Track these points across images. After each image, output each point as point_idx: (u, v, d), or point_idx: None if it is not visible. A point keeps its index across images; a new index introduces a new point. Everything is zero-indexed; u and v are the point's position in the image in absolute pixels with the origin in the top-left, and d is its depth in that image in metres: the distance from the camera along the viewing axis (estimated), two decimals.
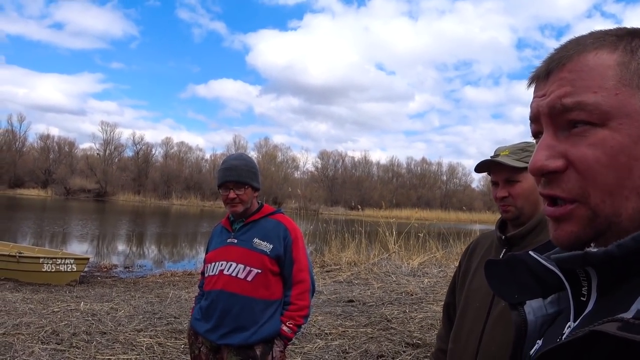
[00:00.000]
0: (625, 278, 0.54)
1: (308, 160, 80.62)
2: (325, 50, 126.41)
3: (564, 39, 0.63)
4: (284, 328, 2.43)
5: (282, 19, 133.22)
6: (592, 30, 0.61)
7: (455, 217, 41.09)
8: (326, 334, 5.40)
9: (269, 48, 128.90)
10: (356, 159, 79.44)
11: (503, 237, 1.61)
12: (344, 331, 5.51)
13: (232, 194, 2.45)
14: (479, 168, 1.67)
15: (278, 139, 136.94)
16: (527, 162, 1.46)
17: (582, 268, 0.58)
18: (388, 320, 5.97)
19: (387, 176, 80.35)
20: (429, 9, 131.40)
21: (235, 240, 2.51)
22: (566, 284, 0.60)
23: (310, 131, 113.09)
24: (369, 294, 7.82)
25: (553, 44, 0.64)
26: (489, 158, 1.63)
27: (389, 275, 9.44)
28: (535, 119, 0.63)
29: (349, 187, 70.91)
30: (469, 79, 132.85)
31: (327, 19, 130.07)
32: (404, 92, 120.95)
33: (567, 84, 0.58)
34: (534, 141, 0.65)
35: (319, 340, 5.13)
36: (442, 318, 1.93)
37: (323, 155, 79.11)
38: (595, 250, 0.54)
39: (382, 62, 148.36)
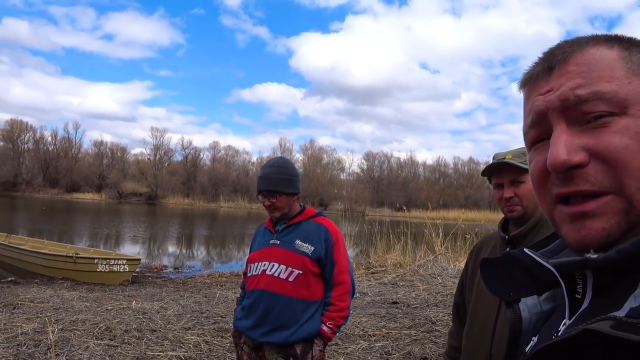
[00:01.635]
0: (620, 277, 0.53)
1: (353, 162, 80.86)
2: (368, 51, 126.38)
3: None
4: (324, 328, 2.47)
5: (324, 22, 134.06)
6: (577, 37, 0.61)
7: None
8: (369, 335, 5.40)
9: (312, 51, 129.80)
10: (402, 160, 78.92)
11: (507, 237, 1.67)
12: (387, 333, 5.50)
13: (267, 202, 2.54)
14: (488, 171, 1.74)
15: (323, 140, 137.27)
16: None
17: (580, 272, 0.57)
18: (432, 323, 5.91)
19: (433, 177, 79.32)
20: (472, 4, 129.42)
21: (278, 242, 2.57)
22: (561, 282, 0.59)
23: (355, 132, 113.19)
24: (414, 295, 7.75)
25: None
26: (497, 161, 1.69)
27: (435, 277, 9.33)
28: (540, 119, 0.60)
29: (395, 188, 70.40)
30: (516, 76, 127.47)
31: (369, 20, 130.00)
32: (449, 91, 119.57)
33: (577, 76, 0.56)
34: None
35: (362, 342, 5.14)
36: (452, 317, 2.00)
37: (368, 157, 79.00)
38: (595, 256, 0.52)
39: (426, 61, 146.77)
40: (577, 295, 0.58)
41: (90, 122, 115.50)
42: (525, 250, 0.64)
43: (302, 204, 2.69)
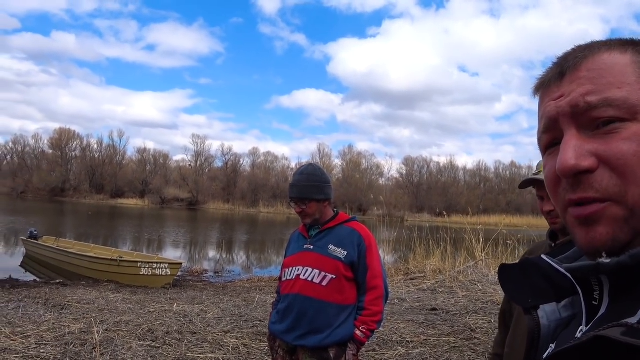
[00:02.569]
0: (637, 283, 0.53)
1: (392, 167, 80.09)
2: (405, 55, 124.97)
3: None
4: (357, 332, 2.48)
5: (361, 27, 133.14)
6: (591, 41, 0.61)
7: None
8: (407, 341, 5.35)
9: (349, 56, 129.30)
10: (441, 164, 77.72)
11: (553, 244, 1.69)
12: (425, 339, 5.44)
13: (297, 209, 2.60)
14: (524, 186, 1.77)
15: (362, 146, 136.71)
16: None
17: (594, 276, 0.57)
18: (472, 330, 5.82)
19: (474, 181, 77.84)
20: (511, 5, 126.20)
21: (312, 247, 2.60)
22: (578, 288, 0.59)
23: (394, 137, 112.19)
24: (453, 302, 7.64)
25: None
26: (532, 176, 1.74)
27: (475, 284, 9.16)
28: (551, 124, 0.60)
29: (435, 193, 69.50)
30: None
31: (406, 24, 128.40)
32: (489, 94, 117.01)
33: (588, 82, 0.57)
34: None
35: (400, 348, 5.10)
36: (498, 325, 1.99)
37: (407, 161, 78.15)
38: (608, 261, 0.53)
39: (464, 64, 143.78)
40: (594, 302, 0.58)
41: (134, 130, 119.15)
42: (543, 256, 0.64)
43: (335, 209, 2.72)
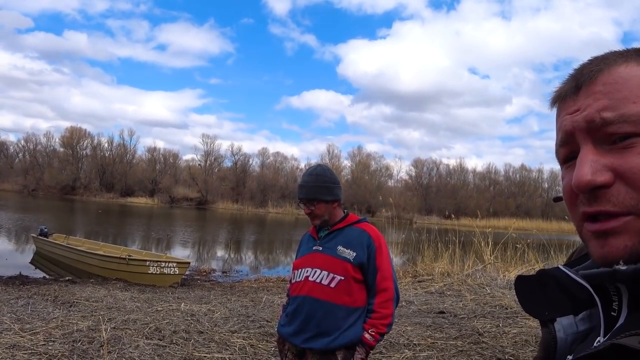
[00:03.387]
0: None
1: (402, 169, 79.88)
2: (416, 56, 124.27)
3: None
4: (366, 335, 2.45)
5: (371, 28, 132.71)
6: (609, 51, 0.60)
7: (558, 228, 38.53)
8: (415, 344, 5.33)
9: (359, 58, 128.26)
10: (451, 167, 77.44)
11: None
12: (433, 343, 5.41)
13: (306, 210, 2.58)
14: (558, 199, 1.74)
15: (371, 147, 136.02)
16: None
17: (612, 284, 0.56)
18: (480, 334, 5.77)
19: (483, 184, 77.49)
20: (522, 7, 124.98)
21: (321, 248, 2.58)
22: (597, 298, 0.59)
23: (404, 139, 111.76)
24: (461, 305, 7.60)
25: None
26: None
27: (483, 287, 9.11)
28: (568, 138, 0.60)
29: (444, 196, 69.25)
30: None
31: (416, 26, 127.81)
32: (499, 96, 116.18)
33: (603, 97, 0.56)
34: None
35: (407, 351, 5.08)
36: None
37: (417, 163, 77.91)
38: (624, 268, 0.52)
39: (475, 66, 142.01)
40: (612, 313, 0.58)
41: (144, 129, 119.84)
42: (560, 266, 0.64)
43: (345, 210, 2.70)
